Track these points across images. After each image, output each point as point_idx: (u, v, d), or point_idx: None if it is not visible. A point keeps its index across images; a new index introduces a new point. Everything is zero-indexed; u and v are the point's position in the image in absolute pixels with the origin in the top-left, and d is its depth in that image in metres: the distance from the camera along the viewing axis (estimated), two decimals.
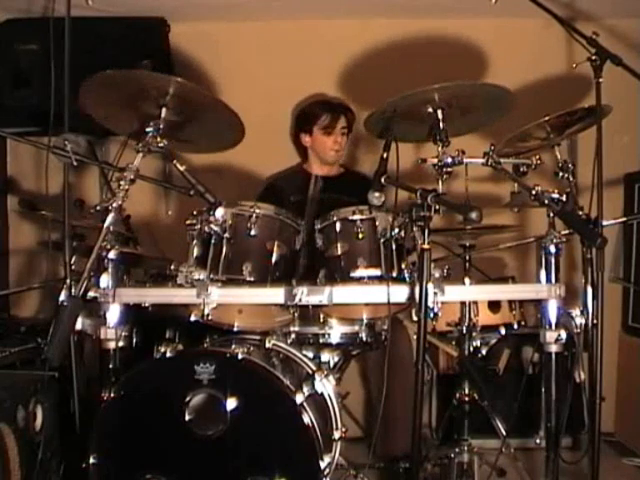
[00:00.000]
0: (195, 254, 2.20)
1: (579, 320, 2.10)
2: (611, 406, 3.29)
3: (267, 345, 2.28)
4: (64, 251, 2.40)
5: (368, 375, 3.08)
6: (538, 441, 2.86)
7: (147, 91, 2.08)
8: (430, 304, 1.95)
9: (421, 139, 2.31)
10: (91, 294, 2.07)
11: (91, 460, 2.00)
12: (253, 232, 2.17)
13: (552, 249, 2.13)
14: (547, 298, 2.11)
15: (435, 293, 2.00)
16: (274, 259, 2.23)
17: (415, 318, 1.91)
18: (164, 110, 2.11)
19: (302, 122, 3.25)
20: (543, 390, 2.24)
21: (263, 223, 2.21)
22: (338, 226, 2.25)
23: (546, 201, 2.09)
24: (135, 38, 3.25)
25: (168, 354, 2.10)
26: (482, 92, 2.20)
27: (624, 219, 3.13)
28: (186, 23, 3.41)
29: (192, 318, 2.20)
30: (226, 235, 2.17)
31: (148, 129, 2.08)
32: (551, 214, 2.14)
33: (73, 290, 1.93)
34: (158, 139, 2.09)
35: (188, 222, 2.21)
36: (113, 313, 2.12)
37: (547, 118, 2.25)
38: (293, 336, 2.43)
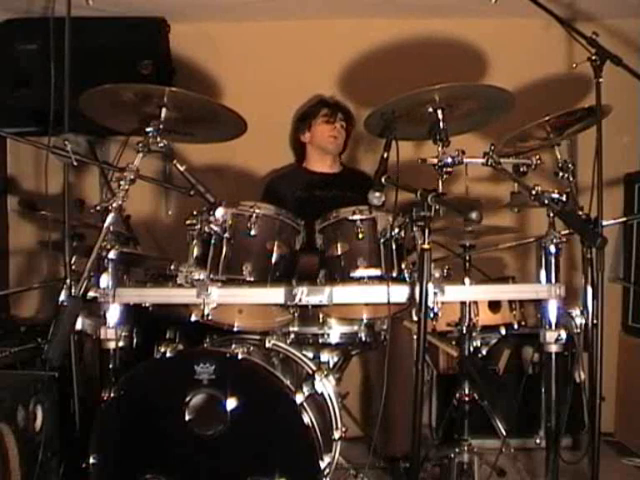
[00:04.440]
0: (195, 254, 2.20)
1: (579, 320, 2.10)
2: (611, 406, 3.29)
3: (267, 345, 2.28)
4: (64, 251, 2.40)
5: (370, 375, 3.08)
6: (538, 441, 2.85)
7: (146, 96, 2.09)
8: (430, 304, 1.96)
9: (421, 137, 2.31)
10: (91, 294, 2.06)
11: (91, 460, 2.01)
12: (253, 232, 2.18)
13: (552, 249, 2.13)
14: (547, 298, 2.11)
15: (435, 293, 2.00)
16: (274, 259, 2.23)
17: (415, 318, 1.92)
18: (164, 110, 2.12)
19: (302, 121, 3.28)
20: (543, 390, 2.23)
21: (263, 223, 2.21)
22: (338, 226, 2.25)
23: (546, 201, 2.08)
24: (135, 38, 3.26)
25: (168, 354, 2.10)
26: (482, 94, 2.19)
27: (624, 219, 3.13)
28: (186, 23, 3.41)
29: (192, 318, 2.21)
30: (226, 235, 2.17)
31: (148, 129, 2.09)
32: (551, 214, 2.13)
33: (73, 290, 1.93)
34: (158, 139, 2.10)
35: (188, 222, 2.21)
36: (113, 313, 2.11)
37: (547, 118, 2.25)
38: (292, 336, 2.43)
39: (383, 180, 2.06)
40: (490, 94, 2.16)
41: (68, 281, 2.22)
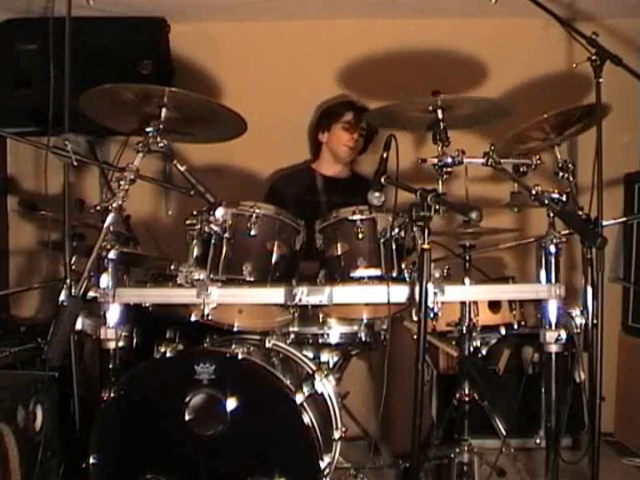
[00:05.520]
0: (195, 254, 2.20)
1: (579, 320, 2.10)
2: (611, 406, 3.29)
3: (267, 345, 2.28)
4: (64, 251, 2.40)
5: (371, 375, 3.08)
6: (538, 441, 2.85)
7: (146, 96, 2.09)
8: (430, 304, 1.96)
9: (422, 129, 2.29)
10: (91, 294, 2.06)
11: (91, 460, 2.01)
12: (253, 232, 2.18)
13: (552, 249, 2.13)
14: (547, 298, 2.11)
15: (435, 293, 2.00)
16: (274, 259, 2.23)
17: (415, 318, 1.92)
18: (164, 110, 2.12)
19: (324, 119, 3.27)
20: (543, 390, 2.23)
21: (263, 223, 2.21)
22: (338, 226, 2.25)
23: (546, 201, 2.09)
24: (135, 38, 3.26)
25: (168, 354, 2.10)
26: (481, 105, 2.20)
27: (624, 219, 3.13)
28: (186, 23, 3.41)
29: (192, 318, 2.20)
30: (226, 235, 2.17)
31: (148, 129, 2.09)
32: (551, 214, 2.13)
33: (73, 290, 1.93)
34: (158, 139, 2.10)
35: (188, 222, 2.22)
36: (113, 313, 2.12)
37: (546, 116, 2.24)
38: (292, 336, 2.43)
39: (383, 180, 2.06)
40: (489, 106, 2.16)
41: (68, 281, 2.23)
